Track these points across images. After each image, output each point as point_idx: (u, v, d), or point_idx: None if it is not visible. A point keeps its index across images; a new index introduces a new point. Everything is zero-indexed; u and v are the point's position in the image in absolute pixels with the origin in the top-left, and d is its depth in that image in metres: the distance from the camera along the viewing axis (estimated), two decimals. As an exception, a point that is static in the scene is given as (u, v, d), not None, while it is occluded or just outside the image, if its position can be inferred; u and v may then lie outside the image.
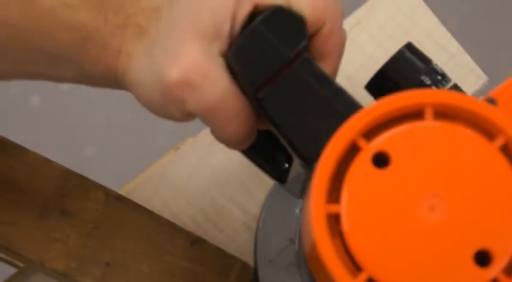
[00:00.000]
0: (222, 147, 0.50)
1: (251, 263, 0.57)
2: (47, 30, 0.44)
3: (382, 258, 0.36)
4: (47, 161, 0.58)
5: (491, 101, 0.40)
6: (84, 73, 0.46)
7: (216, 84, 0.41)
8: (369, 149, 0.36)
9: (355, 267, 0.36)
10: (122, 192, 0.61)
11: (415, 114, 0.37)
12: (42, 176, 0.57)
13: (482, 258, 0.36)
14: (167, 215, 0.60)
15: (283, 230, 0.53)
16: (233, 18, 0.41)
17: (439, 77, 0.45)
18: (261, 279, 0.53)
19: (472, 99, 0.37)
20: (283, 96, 0.42)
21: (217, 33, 0.41)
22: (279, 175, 0.50)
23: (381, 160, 0.37)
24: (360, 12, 0.67)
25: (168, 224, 0.58)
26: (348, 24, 0.65)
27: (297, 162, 0.44)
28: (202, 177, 0.63)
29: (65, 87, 1.39)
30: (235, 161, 0.64)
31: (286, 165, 0.50)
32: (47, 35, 0.44)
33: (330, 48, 0.42)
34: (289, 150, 0.42)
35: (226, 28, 0.41)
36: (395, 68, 0.46)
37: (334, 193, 0.37)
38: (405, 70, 0.46)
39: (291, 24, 0.42)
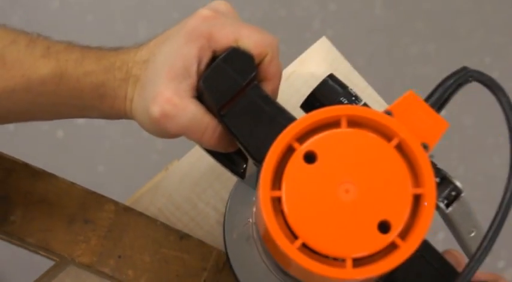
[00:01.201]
0: (200, 166, 0.64)
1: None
2: (76, 94, 0.58)
3: (312, 228, 0.47)
4: (72, 184, 0.73)
5: (389, 113, 0.52)
6: (104, 115, 0.61)
7: (185, 112, 0.54)
8: (301, 149, 0.48)
9: (293, 236, 0.48)
10: (128, 203, 0.75)
11: (334, 123, 0.49)
12: (69, 195, 0.72)
13: (384, 227, 0.47)
14: (161, 219, 0.74)
15: (244, 212, 0.66)
16: (198, 61, 0.54)
17: (353, 98, 0.56)
18: (228, 249, 0.66)
19: (375, 111, 0.48)
20: (239, 113, 0.54)
21: (188, 73, 0.54)
22: (240, 173, 0.63)
23: (309, 157, 0.48)
24: (295, 63, 0.83)
25: (163, 225, 0.73)
26: (286, 72, 0.81)
27: (251, 162, 0.56)
28: (186, 189, 0.77)
29: (81, 121, 1.64)
30: (210, 175, 0.77)
31: (244, 166, 0.63)
32: (76, 96, 0.58)
33: (271, 73, 0.55)
34: (245, 152, 0.54)
35: (193, 68, 0.54)
36: (321, 92, 0.57)
37: (276, 182, 0.48)
38: (328, 93, 0.56)
39: (243, 60, 0.54)
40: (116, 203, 0.72)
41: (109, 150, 1.66)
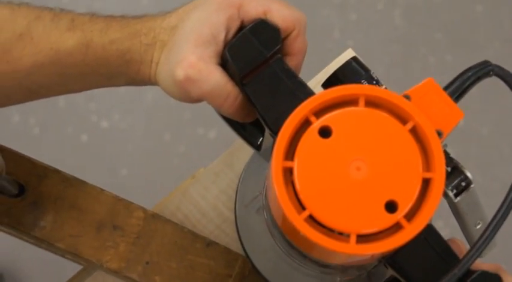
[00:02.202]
0: (226, 175, 0.65)
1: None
2: (103, 62, 0.60)
3: (320, 201, 0.48)
4: (102, 190, 0.74)
5: (407, 97, 0.53)
6: (130, 81, 0.62)
7: (208, 77, 0.55)
8: (317, 123, 0.49)
9: (301, 207, 0.49)
10: (155, 209, 0.77)
11: (352, 101, 0.50)
12: (99, 202, 0.73)
13: (391, 207, 0.48)
14: (188, 225, 0.76)
15: (256, 184, 0.68)
16: (227, 30, 0.55)
17: (374, 82, 0.57)
18: (238, 219, 0.67)
19: (393, 94, 0.49)
20: (261, 84, 0.55)
21: (215, 40, 0.55)
22: (256, 145, 0.64)
23: (325, 132, 0.49)
24: (321, 74, 0.83)
25: (189, 232, 0.74)
26: (311, 84, 0.82)
27: (267, 136, 0.57)
28: (212, 196, 0.79)
29: (105, 124, 1.68)
30: (235, 185, 0.77)
31: (261, 138, 0.64)
32: (103, 64, 0.60)
33: (296, 48, 0.56)
34: (263, 123, 0.55)
35: (221, 36, 0.55)
36: (343, 73, 0.58)
37: (290, 153, 0.49)
38: (350, 74, 0.57)
39: (269, 32, 0.55)
40: (144, 209, 0.73)
41: (131, 155, 1.68)
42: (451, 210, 0.59)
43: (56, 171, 0.74)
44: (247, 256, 0.70)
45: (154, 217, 0.73)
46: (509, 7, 1.76)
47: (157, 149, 1.68)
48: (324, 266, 0.61)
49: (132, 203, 0.73)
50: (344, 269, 0.63)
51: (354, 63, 0.58)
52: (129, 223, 0.73)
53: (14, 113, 1.67)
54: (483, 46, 1.72)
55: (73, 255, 0.72)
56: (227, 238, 0.77)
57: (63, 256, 0.75)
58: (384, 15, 1.82)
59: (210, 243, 0.74)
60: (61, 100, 1.67)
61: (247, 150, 0.74)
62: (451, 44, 1.77)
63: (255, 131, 0.64)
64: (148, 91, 1.66)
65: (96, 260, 0.72)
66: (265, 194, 0.64)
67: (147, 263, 0.72)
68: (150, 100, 1.68)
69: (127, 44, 0.58)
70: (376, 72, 0.59)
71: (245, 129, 0.64)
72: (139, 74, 0.60)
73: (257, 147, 0.65)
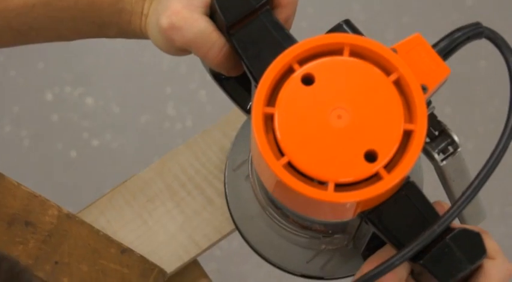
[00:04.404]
0: (156, 183, 0.70)
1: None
2: (96, 7, 0.60)
3: (300, 149, 0.48)
4: (19, 184, 0.72)
5: (394, 51, 0.52)
6: (121, 32, 0.62)
7: (193, 24, 0.55)
8: (300, 71, 0.49)
9: (281, 154, 0.49)
10: (79, 212, 0.74)
11: (337, 51, 0.50)
12: (14, 196, 0.72)
13: (371, 156, 0.48)
14: (108, 231, 0.73)
15: (245, 150, 0.67)
16: None
17: None
18: (227, 183, 0.67)
19: (379, 44, 0.49)
20: (248, 35, 0.54)
21: None
22: (246, 109, 0.64)
23: (307, 80, 0.49)
24: None
25: (105, 237, 0.72)
26: None
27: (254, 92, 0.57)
28: (138, 205, 0.75)
29: (96, 143, 1.66)
30: (165, 193, 0.75)
31: (251, 103, 0.64)
32: (96, 10, 0.60)
33: (285, 0, 0.56)
34: (248, 74, 0.55)
35: None
36: None
37: (271, 100, 0.49)
38: None
39: None
40: (59, 208, 0.71)
41: (118, 175, 1.65)
42: (438, 177, 0.59)
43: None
44: (235, 224, 0.70)
45: (69, 217, 0.71)
46: None
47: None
48: (307, 227, 0.61)
49: (49, 201, 0.72)
50: (329, 234, 0.63)
51: (344, 26, 0.57)
52: (42, 220, 0.71)
53: (7, 123, 1.68)
54: (483, 102, 1.69)
55: (-20, 247, 0.70)
56: (147, 249, 0.73)
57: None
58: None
59: (125, 250, 0.71)
60: (55, 115, 1.67)
61: (179, 161, 0.74)
62: (451, 97, 1.72)
63: (245, 94, 0.64)
64: (142, 113, 1.67)
65: (3, 254, 0.70)
66: (251, 157, 0.64)
67: (56, 262, 0.70)
68: (143, 122, 1.68)
69: None
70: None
71: (236, 92, 0.64)
72: (130, 25, 0.60)
73: (247, 111, 0.65)
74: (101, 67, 1.66)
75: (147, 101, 1.66)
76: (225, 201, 0.71)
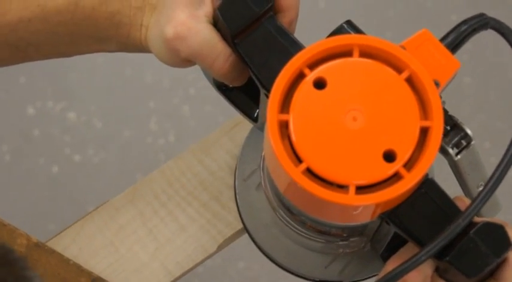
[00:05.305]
0: (128, 210, 0.66)
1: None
2: (92, 22, 0.59)
3: (317, 154, 0.47)
4: None
5: (403, 48, 0.52)
6: (121, 45, 0.61)
7: (198, 34, 0.55)
8: (311, 75, 0.49)
9: (299, 161, 0.48)
10: (50, 240, 0.72)
11: (346, 52, 0.49)
12: None
13: (389, 156, 0.47)
14: (80, 260, 0.71)
15: (254, 159, 0.67)
16: None
17: None
18: (238, 194, 0.67)
19: (388, 43, 0.49)
20: (253, 43, 0.54)
21: (202, 1, 0.55)
22: (253, 117, 0.63)
23: (319, 84, 0.48)
24: None
25: (75, 266, 0.70)
26: None
27: (263, 106, 0.56)
28: (110, 232, 0.73)
29: (77, 158, 1.64)
30: (137, 220, 0.74)
31: (257, 111, 0.63)
32: (92, 25, 0.59)
33: (287, 4, 0.55)
34: (257, 83, 0.54)
35: None
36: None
37: (285, 107, 0.49)
38: None
39: None
40: (28, 237, 0.70)
41: (100, 191, 1.63)
42: (453, 171, 0.58)
43: None
44: (248, 233, 0.69)
45: (38, 246, 0.70)
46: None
47: (127, 187, 1.64)
48: (324, 232, 0.60)
49: (17, 230, 0.70)
50: (345, 237, 0.62)
51: (346, 27, 0.57)
52: None
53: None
54: (468, 118, 1.69)
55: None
56: (118, 277, 0.72)
57: None
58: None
59: (95, 279, 0.69)
60: (36, 130, 1.66)
61: (152, 187, 0.73)
62: None
63: (251, 102, 0.64)
64: (125, 128, 1.66)
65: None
66: (264, 166, 0.64)
67: None
68: (126, 137, 1.67)
69: (116, 6, 0.58)
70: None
71: (241, 100, 0.64)
72: (129, 38, 0.59)
73: (254, 119, 0.64)
74: (83, 81, 1.65)
75: (130, 116, 1.65)
76: (197, 228, 0.71)
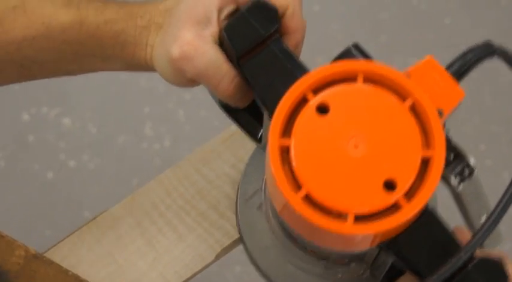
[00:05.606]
0: (125, 220, 0.66)
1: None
2: (97, 42, 0.59)
3: (317, 180, 0.47)
4: None
5: (407, 75, 0.51)
6: (126, 64, 0.61)
7: (204, 55, 0.54)
8: (314, 100, 0.48)
9: (298, 187, 0.48)
10: (48, 250, 0.72)
11: (351, 78, 0.49)
12: None
13: (390, 185, 0.47)
14: (78, 270, 0.71)
15: (256, 180, 0.66)
16: (219, 9, 0.55)
17: None
18: (239, 215, 0.66)
19: (393, 70, 0.48)
20: (258, 64, 0.54)
21: (209, 20, 0.55)
22: (257, 137, 0.63)
23: (322, 109, 0.48)
24: None
25: (73, 276, 0.70)
26: None
27: (266, 127, 0.56)
28: (108, 242, 0.73)
29: (72, 164, 1.64)
30: (135, 230, 0.74)
31: (261, 131, 0.63)
32: (97, 44, 0.60)
33: (293, 27, 0.55)
34: (261, 105, 0.54)
35: (214, 17, 0.55)
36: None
37: (287, 131, 0.48)
38: None
39: (267, 12, 0.54)
40: (26, 248, 0.70)
41: (96, 196, 1.63)
42: (455, 201, 0.58)
43: None
44: (249, 254, 0.68)
45: (37, 257, 0.69)
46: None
47: (123, 193, 1.63)
48: (324, 258, 0.60)
49: (15, 241, 0.70)
50: (346, 263, 0.62)
51: (354, 51, 0.56)
52: (9, 261, 0.68)
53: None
54: (463, 122, 1.69)
55: None
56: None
57: None
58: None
59: None
60: (31, 136, 1.66)
61: (150, 197, 0.73)
62: None
63: (255, 123, 0.63)
64: (120, 134, 1.66)
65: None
66: (265, 187, 0.63)
67: None
68: (121, 143, 1.67)
69: (122, 25, 0.58)
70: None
71: (246, 121, 0.63)
72: (134, 57, 0.59)
73: (258, 140, 0.64)
74: (78, 87, 1.65)
75: (125, 121, 1.65)
76: (195, 237, 0.70)
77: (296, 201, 0.47)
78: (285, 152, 0.48)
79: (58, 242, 0.73)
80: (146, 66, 0.60)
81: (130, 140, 1.65)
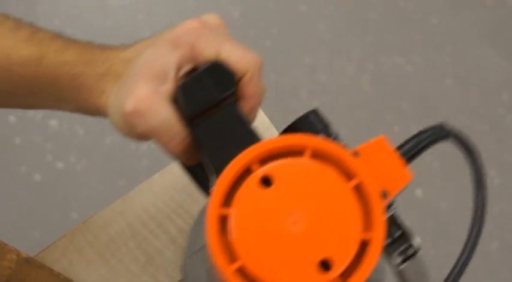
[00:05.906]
0: (117, 223, 0.65)
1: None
2: (53, 81, 0.59)
3: (254, 254, 0.46)
4: None
5: (356, 154, 0.51)
6: (79, 108, 0.61)
7: (157, 112, 0.54)
8: (259, 172, 0.48)
9: (233, 258, 0.47)
10: (40, 253, 0.72)
11: (299, 152, 0.49)
12: None
13: (326, 265, 0.46)
14: (70, 273, 0.71)
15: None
16: (177, 68, 0.54)
17: (332, 137, 0.54)
18: (186, 266, 0.65)
19: (341, 149, 0.48)
20: (210, 127, 0.53)
21: (165, 77, 0.54)
22: (208, 191, 0.62)
23: (266, 181, 0.48)
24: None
25: (65, 279, 0.70)
26: None
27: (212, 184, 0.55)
28: (100, 245, 0.74)
29: (60, 165, 1.65)
30: (127, 233, 0.75)
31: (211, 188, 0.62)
32: (54, 84, 0.59)
33: (249, 92, 0.54)
34: (209, 167, 0.53)
35: (171, 74, 0.54)
36: (300, 126, 0.55)
37: (228, 199, 0.48)
38: (306, 128, 0.55)
39: (224, 75, 0.53)
40: (18, 252, 0.69)
41: (84, 198, 1.64)
42: (397, 279, 0.57)
43: None
44: None
45: (28, 261, 0.69)
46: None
47: (111, 194, 1.63)
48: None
49: (7, 245, 0.69)
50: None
51: (311, 117, 0.56)
52: (0, 265, 0.68)
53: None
54: (449, 121, 1.71)
55: None
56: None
57: None
58: (353, 81, 1.81)
59: None
60: (17, 138, 1.65)
61: (141, 200, 0.72)
62: (417, 115, 1.76)
63: (207, 177, 0.63)
64: (107, 135, 1.65)
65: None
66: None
67: None
68: (108, 144, 1.66)
69: (80, 69, 0.57)
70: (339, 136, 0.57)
71: (198, 175, 0.63)
72: (88, 102, 0.58)
73: (209, 194, 0.63)
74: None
75: (112, 122, 1.66)
76: (186, 239, 0.70)
77: (228, 273, 0.46)
78: (224, 220, 0.48)
79: (49, 245, 0.73)
80: (98, 113, 0.59)
81: (117, 140, 1.65)
